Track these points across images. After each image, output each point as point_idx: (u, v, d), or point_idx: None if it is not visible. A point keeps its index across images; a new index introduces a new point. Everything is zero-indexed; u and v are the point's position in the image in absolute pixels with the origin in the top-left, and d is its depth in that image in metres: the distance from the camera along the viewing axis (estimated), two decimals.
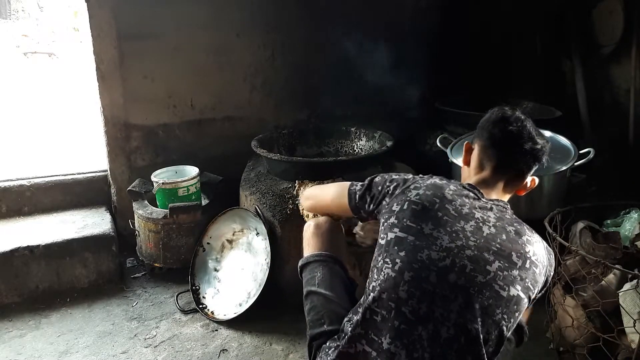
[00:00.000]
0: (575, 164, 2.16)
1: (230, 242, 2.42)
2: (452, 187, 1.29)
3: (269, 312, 2.19)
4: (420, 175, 1.37)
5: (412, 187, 1.30)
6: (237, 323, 2.15)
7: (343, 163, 2.33)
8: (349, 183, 1.50)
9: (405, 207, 1.24)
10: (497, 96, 3.02)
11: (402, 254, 1.17)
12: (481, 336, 1.10)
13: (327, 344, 1.26)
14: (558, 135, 2.35)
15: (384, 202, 1.33)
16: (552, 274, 1.30)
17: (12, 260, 2.28)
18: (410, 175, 1.38)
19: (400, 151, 2.53)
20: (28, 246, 2.31)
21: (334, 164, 2.30)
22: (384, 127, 2.71)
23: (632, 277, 1.63)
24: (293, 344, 2.04)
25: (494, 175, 1.34)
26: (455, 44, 3.08)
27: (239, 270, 2.31)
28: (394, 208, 1.27)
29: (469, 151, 1.43)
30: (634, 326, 1.56)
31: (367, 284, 1.24)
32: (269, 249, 2.18)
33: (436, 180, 1.33)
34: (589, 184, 2.43)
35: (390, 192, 1.33)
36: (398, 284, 1.15)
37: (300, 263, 1.55)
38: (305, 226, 1.63)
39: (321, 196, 1.61)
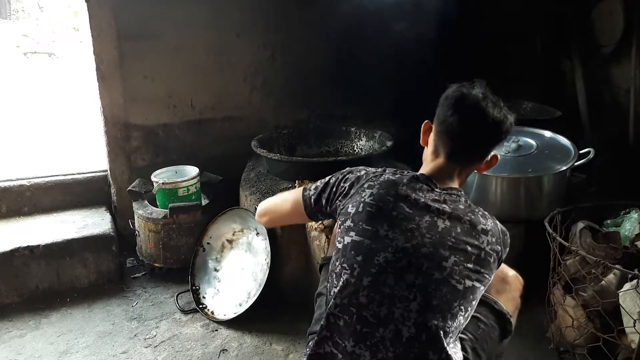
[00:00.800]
0: (575, 164, 2.16)
1: (230, 242, 2.42)
2: (405, 180, 1.26)
3: (269, 312, 2.19)
4: (374, 170, 1.34)
5: (365, 186, 1.28)
6: (237, 323, 2.15)
7: (343, 163, 2.33)
8: (301, 189, 1.46)
9: (360, 209, 1.23)
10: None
11: (360, 258, 1.18)
12: (441, 331, 1.12)
13: (311, 342, 1.27)
14: (558, 135, 2.35)
15: (338, 203, 1.32)
16: (505, 254, 1.29)
17: (12, 260, 2.28)
18: (364, 172, 1.34)
19: (400, 151, 2.53)
20: (28, 246, 2.31)
21: (334, 164, 2.30)
22: (383, 127, 2.71)
23: (632, 277, 1.63)
24: (293, 344, 2.04)
25: (448, 162, 1.30)
26: (455, 44, 3.07)
27: (239, 270, 2.31)
28: (349, 210, 1.26)
29: (427, 132, 1.37)
30: (634, 326, 1.56)
31: (327, 287, 1.24)
32: (269, 249, 2.18)
33: (389, 175, 1.30)
34: (589, 184, 2.43)
35: (345, 192, 1.31)
36: (357, 290, 1.16)
37: (320, 262, 1.55)
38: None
39: (277, 208, 1.55)
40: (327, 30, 2.92)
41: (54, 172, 2.81)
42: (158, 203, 2.56)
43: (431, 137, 1.35)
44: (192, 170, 2.60)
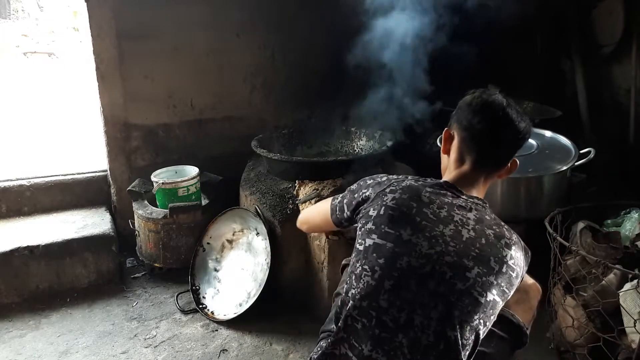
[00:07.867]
0: (576, 164, 2.16)
1: (230, 242, 2.41)
2: (428, 188, 1.25)
3: (269, 312, 2.19)
4: (395, 177, 1.33)
5: (387, 190, 1.27)
6: (237, 323, 2.15)
7: (343, 163, 2.33)
8: (332, 198, 1.47)
9: (382, 212, 1.22)
10: None
11: (381, 261, 1.16)
12: (460, 342, 1.10)
13: (324, 340, 1.27)
14: (558, 135, 2.35)
15: (361, 209, 1.31)
16: (525, 272, 1.29)
17: (12, 260, 2.28)
18: (385, 177, 1.34)
19: (400, 151, 2.52)
20: (28, 246, 2.31)
21: (334, 164, 2.30)
22: (384, 127, 2.71)
23: (632, 277, 1.63)
24: (293, 344, 2.04)
25: (475, 169, 1.30)
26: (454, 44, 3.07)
27: (239, 270, 2.31)
28: (370, 213, 1.24)
29: (448, 139, 1.36)
30: (634, 326, 1.56)
31: (345, 289, 1.22)
32: (269, 249, 2.18)
33: (411, 182, 1.29)
34: (589, 184, 2.43)
35: (366, 197, 1.31)
36: (379, 292, 1.14)
37: (343, 262, 1.56)
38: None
39: (313, 215, 1.61)
40: (327, 30, 2.92)
41: (53, 172, 2.81)
42: (158, 203, 2.56)
43: (454, 145, 1.34)
44: (192, 170, 2.60)
